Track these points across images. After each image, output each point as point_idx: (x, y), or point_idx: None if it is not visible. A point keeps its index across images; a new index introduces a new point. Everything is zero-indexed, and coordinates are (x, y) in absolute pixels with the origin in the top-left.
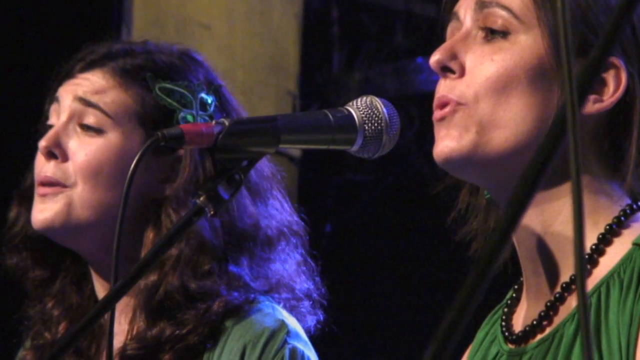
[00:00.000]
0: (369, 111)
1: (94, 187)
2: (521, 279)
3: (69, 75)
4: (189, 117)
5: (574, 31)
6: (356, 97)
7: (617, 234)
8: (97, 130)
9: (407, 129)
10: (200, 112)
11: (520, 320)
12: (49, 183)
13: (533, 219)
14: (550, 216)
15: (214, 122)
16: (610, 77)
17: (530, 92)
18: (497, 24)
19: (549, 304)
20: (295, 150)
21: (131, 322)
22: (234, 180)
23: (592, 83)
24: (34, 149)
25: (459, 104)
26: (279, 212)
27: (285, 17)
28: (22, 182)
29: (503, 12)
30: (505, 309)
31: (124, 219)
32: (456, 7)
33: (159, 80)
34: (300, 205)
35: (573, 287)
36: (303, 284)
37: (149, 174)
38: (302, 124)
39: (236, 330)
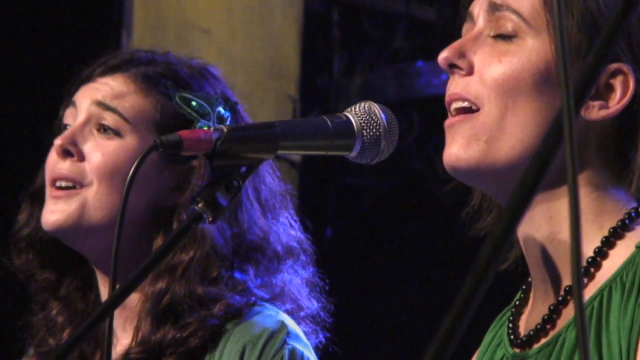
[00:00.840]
0: (368, 117)
1: (109, 189)
2: (529, 279)
3: (88, 80)
4: (206, 129)
5: (583, 36)
6: (357, 101)
7: (621, 237)
8: (115, 132)
9: (407, 132)
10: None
11: (526, 324)
12: (64, 179)
13: (541, 226)
14: (557, 224)
15: (212, 128)
16: (618, 83)
17: (536, 96)
18: (508, 28)
19: (552, 307)
20: (296, 155)
21: (137, 328)
22: (232, 186)
23: (590, 89)
24: (39, 152)
25: (470, 109)
26: (290, 229)
27: (286, 22)
28: (32, 184)
29: (513, 16)
30: (514, 310)
31: (123, 225)
32: (472, 7)
33: (179, 90)
34: (301, 210)
35: None
36: (307, 300)
37: (162, 182)
38: (301, 131)
39: (236, 332)
